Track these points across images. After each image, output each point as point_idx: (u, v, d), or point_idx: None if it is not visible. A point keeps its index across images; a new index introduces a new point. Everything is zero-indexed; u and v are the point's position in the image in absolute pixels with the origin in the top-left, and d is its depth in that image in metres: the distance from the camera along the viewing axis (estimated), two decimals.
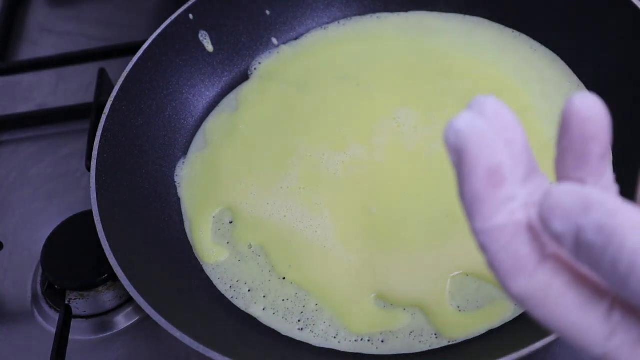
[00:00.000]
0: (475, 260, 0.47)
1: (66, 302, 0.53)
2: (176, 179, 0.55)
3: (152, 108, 0.56)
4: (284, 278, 0.49)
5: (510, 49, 0.58)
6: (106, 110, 0.52)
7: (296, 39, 0.62)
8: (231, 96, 0.60)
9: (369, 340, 0.45)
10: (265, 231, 0.51)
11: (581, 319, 0.24)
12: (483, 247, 0.24)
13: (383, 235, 0.49)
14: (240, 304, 0.48)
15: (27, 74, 0.72)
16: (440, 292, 0.46)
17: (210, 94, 0.60)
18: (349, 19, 0.63)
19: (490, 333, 0.44)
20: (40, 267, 0.55)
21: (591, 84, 0.54)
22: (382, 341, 0.45)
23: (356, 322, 0.46)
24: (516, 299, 0.25)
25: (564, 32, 0.56)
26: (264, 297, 0.48)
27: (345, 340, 0.46)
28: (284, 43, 0.62)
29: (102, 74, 0.65)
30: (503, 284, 0.24)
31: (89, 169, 0.50)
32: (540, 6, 0.57)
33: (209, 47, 0.60)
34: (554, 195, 0.23)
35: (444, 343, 0.45)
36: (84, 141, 0.61)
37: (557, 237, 0.23)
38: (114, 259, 0.44)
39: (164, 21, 0.57)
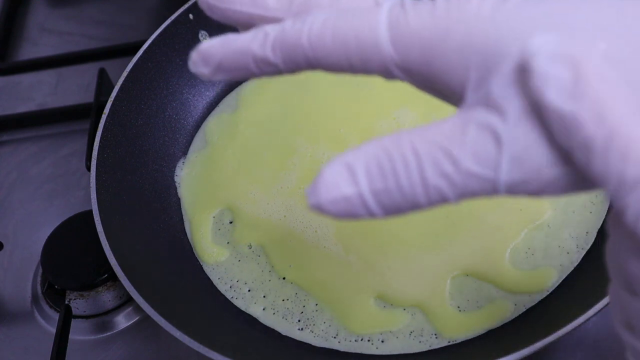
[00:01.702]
0: (475, 260, 0.47)
1: (66, 302, 0.53)
2: (176, 179, 0.55)
3: (152, 108, 0.56)
4: (284, 278, 0.49)
5: None
6: (106, 110, 0.52)
7: None
8: (231, 96, 0.60)
9: (369, 340, 0.45)
10: (265, 231, 0.51)
11: None
12: None
13: (383, 235, 0.49)
14: (240, 304, 0.48)
15: (27, 74, 0.72)
16: (440, 292, 0.46)
17: (210, 94, 0.60)
18: None
19: (490, 333, 0.44)
20: (40, 267, 0.55)
21: None
22: (382, 341, 0.45)
23: (356, 322, 0.46)
24: None
25: None
26: (264, 297, 0.48)
27: (345, 340, 0.46)
28: None
29: (102, 74, 0.65)
30: None
31: (89, 169, 0.50)
32: None
33: None
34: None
35: (444, 343, 0.45)
36: (84, 141, 0.61)
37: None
38: (114, 259, 0.44)
39: (164, 21, 0.57)
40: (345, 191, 0.23)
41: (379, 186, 0.23)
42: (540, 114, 0.21)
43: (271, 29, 0.25)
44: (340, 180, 0.23)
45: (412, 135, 0.23)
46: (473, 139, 0.22)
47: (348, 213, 0.23)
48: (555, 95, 0.20)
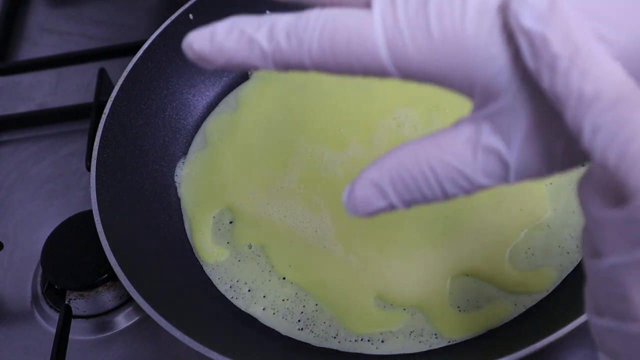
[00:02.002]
0: (475, 260, 0.47)
1: (66, 302, 0.53)
2: (176, 179, 0.55)
3: (152, 108, 0.56)
4: (284, 278, 0.49)
5: None
6: (106, 110, 0.52)
7: None
8: (231, 96, 0.60)
9: (369, 340, 0.45)
10: (265, 231, 0.51)
11: None
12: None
13: (383, 235, 0.49)
14: (240, 304, 0.48)
15: (27, 74, 0.72)
16: (440, 292, 0.46)
17: (210, 94, 0.60)
18: None
19: (490, 333, 0.44)
20: (40, 267, 0.55)
21: None
22: (382, 341, 0.45)
23: (356, 322, 0.46)
24: None
25: None
26: (264, 297, 0.48)
27: (345, 340, 0.46)
28: None
29: (102, 74, 0.65)
30: None
31: (89, 169, 0.50)
32: None
33: None
34: None
35: (444, 343, 0.45)
36: (84, 141, 0.61)
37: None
38: (114, 259, 0.44)
39: (164, 21, 0.57)
40: (379, 204, 0.27)
41: (406, 197, 0.27)
42: (542, 131, 0.24)
43: (266, 43, 0.25)
44: (372, 198, 0.27)
45: (428, 154, 0.26)
46: (483, 162, 0.25)
47: (379, 213, 0.28)
48: (529, 19, 0.23)
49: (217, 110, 0.59)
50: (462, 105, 0.56)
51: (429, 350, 0.45)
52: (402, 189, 0.26)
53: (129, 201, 0.51)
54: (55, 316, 0.54)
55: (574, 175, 0.50)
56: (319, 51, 0.25)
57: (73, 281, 0.53)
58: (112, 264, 0.44)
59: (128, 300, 0.54)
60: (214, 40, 0.26)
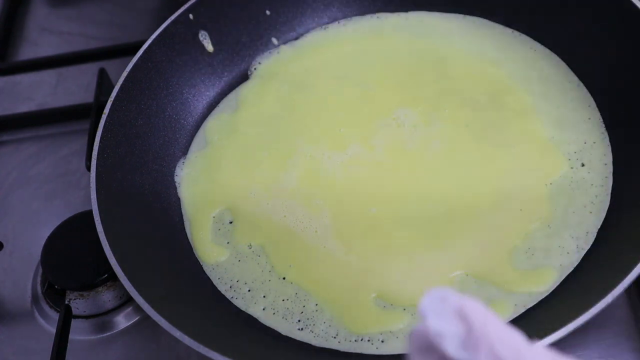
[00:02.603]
0: (475, 261, 0.47)
1: (66, 302, 0.53)
2: (176, 179, 0.55)
3: (152, 108, 0.56)
4: (284, 278, 0.49)
5: (510, 49, 0.58)
6: (106, 110, 0.52)
7: (296, 39, 0.62)
8: (231, 96, 0.60)
9: (369, 340, 0.45)
10: (265, 231, 0.51)
11: None
12: None
13: (383, 236, 0.49)
14: (240, 304, 0.48)
15: (27, 74, 0.72)
16: None
17: (210, 94, 0.60)
18: (349, 19, 0.63)
19: None
20: (40, 267, 0.55)
21: (591, 84, 0.54)
22: (382, 341, 0.45)
23: (356, 322, 0.46)
24: None
25: (563, 32, 0.56)
26: (264, 297, 0.48)
27: (345, 340, 0.46)
28: (284, 43, 0.62)
29: (102, 74, 0.65)
30: None
31: (89, 169, 0.50)
32: (541, 7, 0.57)
33: (209, 47, 0.60)
34: None
35: None
36: (84, 141, 0.61)
37: None
38: (114, 259, 0.44)
39: (164, 21, 0.57)
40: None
41: None
42: None
43: None
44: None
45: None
46: None
47: None
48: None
49: (217, 110, 0.59)
50: (462, 106, 0.56)
51: None
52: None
53: (129, 201, 0.51)
54: (55, 316, 0.54)
55: (574, 175, 0.50)
56: None
57: (73, 281, 0.53)
58: (112, 264, 0.44)
59: (128, 300, 0.54)
60: None
